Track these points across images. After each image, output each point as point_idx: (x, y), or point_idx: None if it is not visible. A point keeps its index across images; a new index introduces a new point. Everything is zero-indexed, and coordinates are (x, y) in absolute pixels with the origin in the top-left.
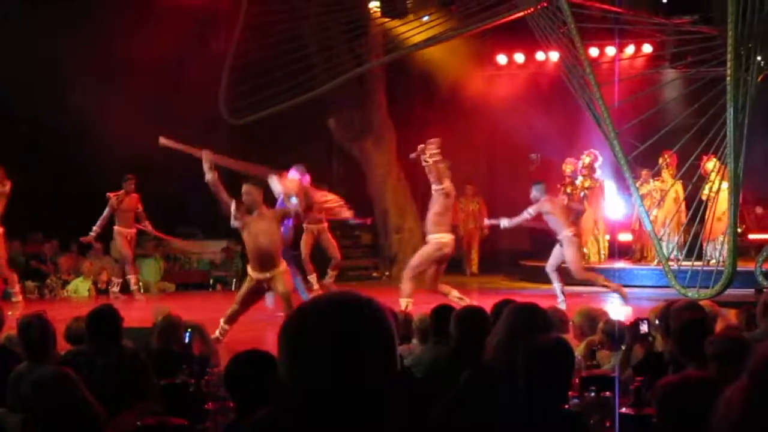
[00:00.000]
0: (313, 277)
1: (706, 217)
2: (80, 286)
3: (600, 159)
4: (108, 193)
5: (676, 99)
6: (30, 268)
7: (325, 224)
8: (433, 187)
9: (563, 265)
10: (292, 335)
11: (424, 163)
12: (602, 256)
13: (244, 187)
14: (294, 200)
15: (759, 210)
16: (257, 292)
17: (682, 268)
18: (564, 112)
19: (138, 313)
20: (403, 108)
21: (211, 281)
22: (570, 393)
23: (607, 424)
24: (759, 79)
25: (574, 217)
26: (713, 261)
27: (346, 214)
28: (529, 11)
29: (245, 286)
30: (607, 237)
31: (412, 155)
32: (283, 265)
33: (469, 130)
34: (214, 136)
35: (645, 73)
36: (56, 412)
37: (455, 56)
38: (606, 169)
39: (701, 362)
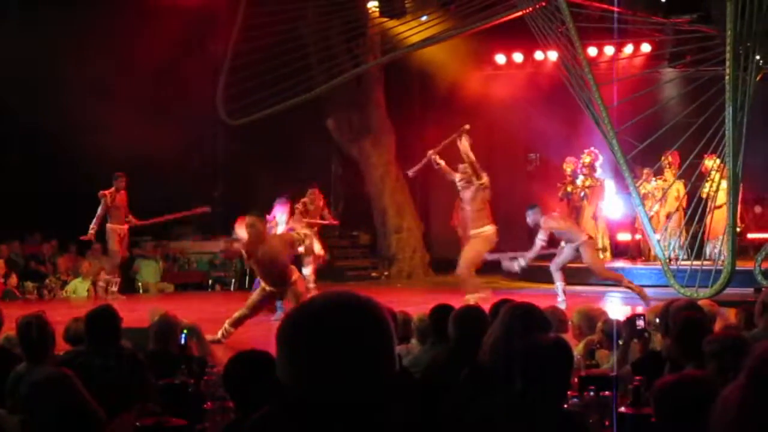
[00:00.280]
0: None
1: (706, 216)
2: (79, 287)
3: (600, 158)
4: (101, 191)
5: (674, 98)
6: (29, 268)
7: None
8: (463, 183)
9: (570, 266)
10: (290, 334)
11: (436, 165)
12: (603, 256)
13: (248, 219)
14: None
15: (758, 209)
16: (269, 300)
17: (681, 267)
18: (563, 111)
19: (137, 314)
20: (401, 108)
21: (210, 282)
22: (569, 393)
23: (606, 424)
24: (758, 78)
25: (576, 217)
26: (710, 260)
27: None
28: (527, 11)
29: (258, 294)
30: (607, 236)
31: (411, 172)
32: (295, 275)
33: (468, 130)
34: (212, 136)
35: (644, 73)
36: (55, 414)
37: (454, 56)
38: (606, 169)
39: (699, 362)
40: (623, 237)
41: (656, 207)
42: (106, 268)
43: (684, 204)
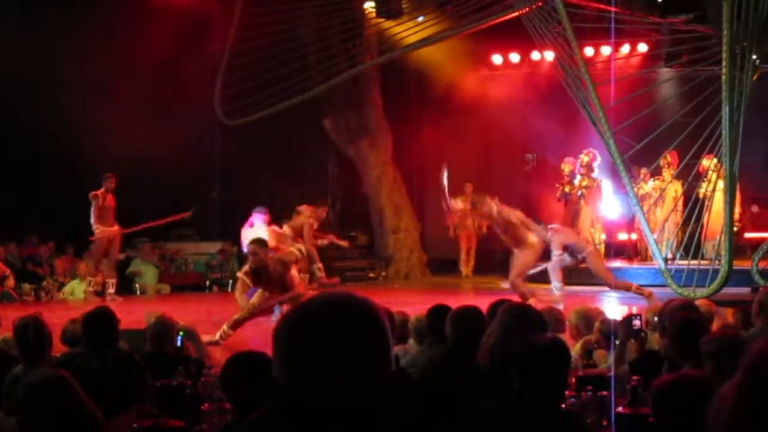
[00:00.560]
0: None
1: (704, 216)
2: (76, 288)
3: (599, 158)
4: (92, 192)
5: (671, 98)
6: (26, 270)
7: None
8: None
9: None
10: (287, 335)
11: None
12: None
13: (251, 248)
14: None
15: (755, 209)
16: (268, 303)
17: (678, 267)
18: (560, 112)
19: (134, 316)
20: (398, 108)
21: (207, 283)
22: (566, 392)
23: (604, 424)
24: (754, 77)
25: (573, 217)
26: (707, 260)
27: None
28: (524, 11)
29: (258, 298)
30: (604, 236)
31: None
32: (297, 280)
33: (465, 131)
34: (210, 137)
35: (640, 73)
36: (52, 415)
37: (450, 56)
38: (603, 169)
39: (697, 361)
40: (620, 237)
41: (659, 212)
42: (90, 269)
43: (681, 204)
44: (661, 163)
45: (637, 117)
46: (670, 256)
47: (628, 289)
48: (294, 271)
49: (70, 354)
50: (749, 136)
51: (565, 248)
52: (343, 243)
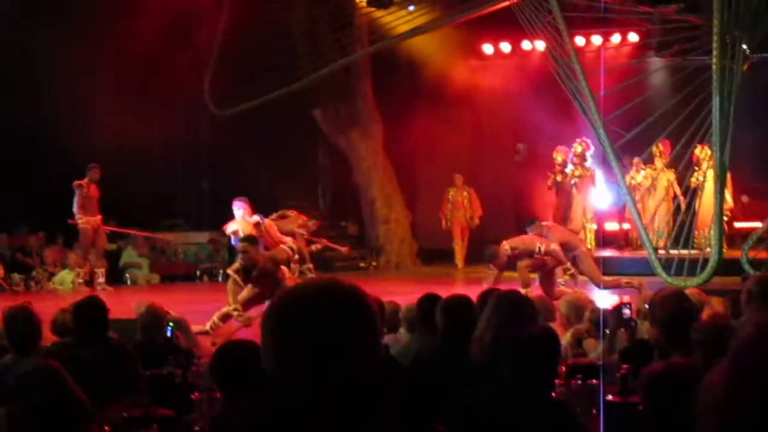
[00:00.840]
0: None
1: (696, 206)
2: (66, 278)
3: (592, 148)
4: (76, 181)
5: (662, 88)
6: (16, 260)
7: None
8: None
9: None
10: (275, 322)
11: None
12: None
13: (240, 246)
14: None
15: (745, 198)
16: (260, 299)
17: (669, 256)
18: (550, 101)
19: (125, 305)
20: (389, 98)
21: (198, 273)
22: (556, 381)
23: (594, 412)
24: (744, 67)
25: (566, 209)
26: (698, 249)
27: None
28: (514, 1)
29: (248, 292)
30: (594, 226)
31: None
32: (287, 277)
33: (456, 120)
34: (199, 127)
35: (631, 63)
36: (42, 405)
37: (441, 46)
38: (596, 159)
39: (687, 350)
40: (611, 226)
41: (650, 202)
42: (78, 259)
43: (672, 194)
44: (654, 152)
45: (628, 107)
46: (661, 245)
47: (617, 285)
48: (284, 269)
49: (60, 344)
50: (740, 126)
51: (561, 245)
52: (342, 248)
